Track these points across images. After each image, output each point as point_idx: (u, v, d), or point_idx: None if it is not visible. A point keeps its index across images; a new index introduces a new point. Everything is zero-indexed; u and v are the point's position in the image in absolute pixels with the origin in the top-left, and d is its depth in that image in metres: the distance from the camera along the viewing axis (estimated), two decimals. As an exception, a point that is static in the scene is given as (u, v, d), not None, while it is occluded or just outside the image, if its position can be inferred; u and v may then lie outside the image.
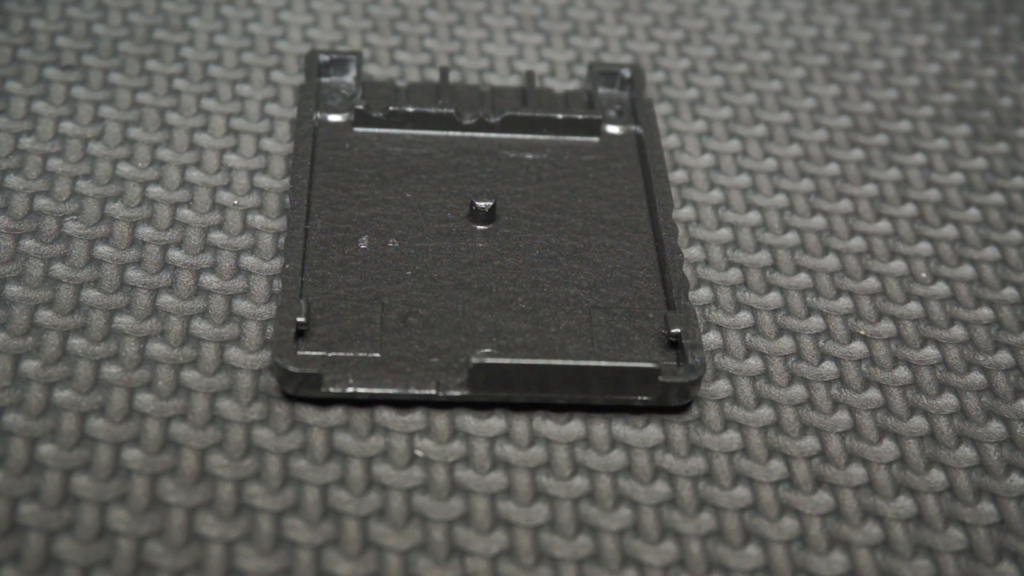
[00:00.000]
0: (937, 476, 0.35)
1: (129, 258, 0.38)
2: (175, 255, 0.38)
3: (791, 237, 0.41)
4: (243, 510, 0.33)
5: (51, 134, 0.42)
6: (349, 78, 0.43)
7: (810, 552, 0.33)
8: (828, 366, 0.38)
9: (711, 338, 0.38)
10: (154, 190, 0.40)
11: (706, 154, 0.43)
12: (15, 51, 0.44)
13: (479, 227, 0.39)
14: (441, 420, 0.35)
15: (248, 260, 0.39)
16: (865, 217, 0.42)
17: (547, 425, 0.35)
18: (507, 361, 0.35)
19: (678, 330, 0.36)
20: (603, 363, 0.35)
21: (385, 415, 0.35)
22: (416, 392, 0.35)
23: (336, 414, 0.35)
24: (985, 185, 0.43)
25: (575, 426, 0.36)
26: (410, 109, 0.42)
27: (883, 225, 0.42)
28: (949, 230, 0.42)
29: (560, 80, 0.45)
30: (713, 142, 0.44)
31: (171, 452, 0.34)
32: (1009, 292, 0.40)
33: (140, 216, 0.39)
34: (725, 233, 0.41)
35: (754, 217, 0.41)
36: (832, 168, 0.43)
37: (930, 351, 0.38)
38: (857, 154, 0.44)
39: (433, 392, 0.35)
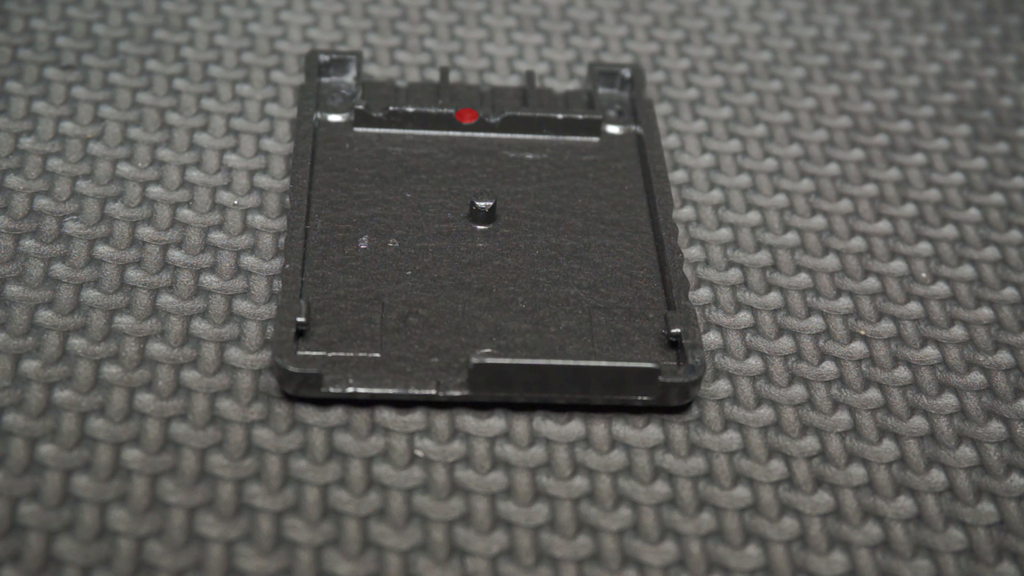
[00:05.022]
0: (937, 476, 0.35)
1: (129, 258, 0.38)
2: (175, 255, 0.38)
3: (791, 237, 0.41)
4: (243, 510, 0.33)
5: (51, 134, 0.42)
6: (349, 78, 0.43)
7: (810, 552, 0.33)
8: (828, 366, 0.38)
9: (711, 338, 0.38)
10: (154, 190, 0.40)
11: (706, 154, 0.43)
12: (15, 51, 0.44)
13: (479, 227, 0.39)
14: (441, 420, 0.35)
15: (248, 260, 0.39)
16: (865, 217, 0.42)
17: (547, 425, 0.35)
18: (507, 361, 0.35)
19: (678, 330, 0.36)
20: (603, 363, 0.35)
21: (385, 415, 0.35)
22: (416, 392, 0.35)
23: (336, 414, 0.35)
24: (985, 185, 0.43)
25: (575, 426, 0.36)
26: (410, 109, 0.42)
27: (883, 225, 0.42)
28: (949, 230, 0.42)
29: (560, 80, 0.45)
30: (713, 142, 0.44)
31: (171, 452, 0.34)
32: (1009, 292, 0.40)
33: (140, 216, 0.39)
34: (725, 233, 0.41)
35: (754, 217, 0.41)
36: (832, 168, 0.43)
37: (930, 351, 0.38)
38: (857, 154, 0.44)
39: (433, 392, 0.35)
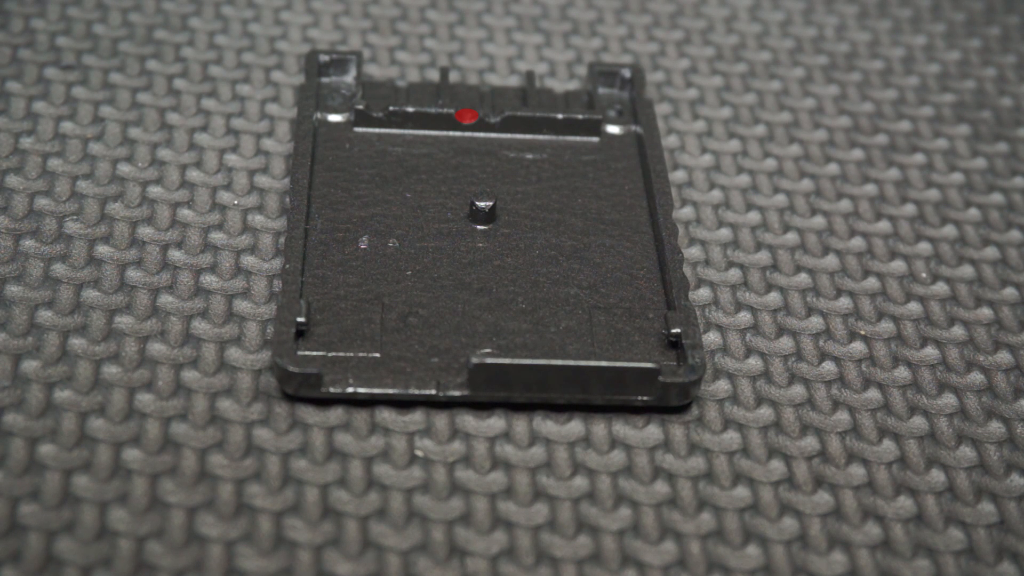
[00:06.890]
0: (937, 476, 0.35)
1: (129, 258, 0.38)
2: (175, 255, 0.38)
3: (791, 237, 0.41)
4: (243, 510, 0.33)
5: (51, 134, 0.42)
6: (349, 78, 0.43)
7: (810, 552, 0.33)
8: (828, 366, 0.38)
9: (711, 338, 0.38)
10: (154, 190, 0.40)
11: (706, 154, 0.43)
12: (15, 51, 0.44)
13: (479, 227, 0.39)
14: (441, 420, 0.35)
15: (248, 260, 0.39)
16: (865, 217, 0.42)
17: (547, 425, 0.35)
18: (507, 361, 0.35)
19: (678, 330, 0.36)
20: (603, 363, 0.35)
21: (385, 415, 0.35)
22: (416, 392, 0.35)
23: (336, 414, 0.35)
24: (985, 185, 0.43)
25: (575, 426, 0.36)
26: (410, 109, 0.42)
27: (883, 225, 0.42)
28: (949, 230, 0.42)
29: (560, 80, 0.45)
30: (713, 142, 0.44)
31: (171, 452, 0.34)
32: (1009, 292, 0.40)
33: (140, 216, 0.39)
34: (725, 233, 0.41)
35: (754, 217, 0.41)
36: (832, 168, 0.43)
37: (930, 351, 0.38)
38: (857, 154, 0.44)
39: (433, 392, 0.35)
